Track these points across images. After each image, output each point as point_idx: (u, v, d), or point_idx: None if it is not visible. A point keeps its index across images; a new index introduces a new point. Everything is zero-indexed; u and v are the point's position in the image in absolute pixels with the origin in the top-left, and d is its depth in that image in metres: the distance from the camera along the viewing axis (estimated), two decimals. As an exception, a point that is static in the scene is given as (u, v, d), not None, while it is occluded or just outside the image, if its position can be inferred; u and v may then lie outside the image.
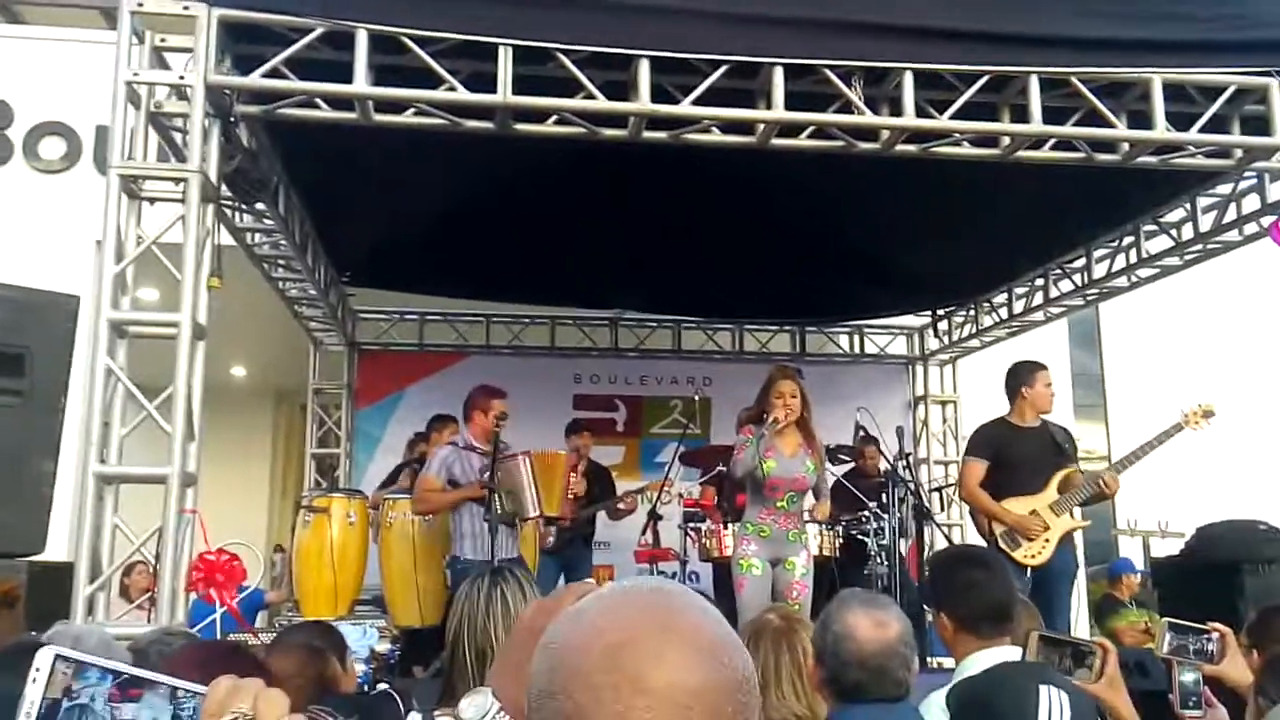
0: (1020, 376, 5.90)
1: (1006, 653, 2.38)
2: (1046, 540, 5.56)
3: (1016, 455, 5.71)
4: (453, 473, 5.79)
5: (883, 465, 6.75)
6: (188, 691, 0.88)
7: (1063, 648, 2.10)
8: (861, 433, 7.10)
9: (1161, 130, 5.01)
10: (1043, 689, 1.52)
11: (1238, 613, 3.93)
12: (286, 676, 2.59)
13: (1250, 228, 6.38)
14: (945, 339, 9.68)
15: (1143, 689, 3.85)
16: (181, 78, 4.54)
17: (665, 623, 0.83)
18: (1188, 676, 2.39)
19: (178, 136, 4.78)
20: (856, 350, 10.09)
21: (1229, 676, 2.46)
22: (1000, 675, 1.70)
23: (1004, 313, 8.85)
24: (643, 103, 4.68)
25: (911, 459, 6.94)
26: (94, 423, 4.29)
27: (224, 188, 4.90)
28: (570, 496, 6.53)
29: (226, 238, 5.89)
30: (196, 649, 2.28)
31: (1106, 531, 12.27)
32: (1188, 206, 6.73)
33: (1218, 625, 2.55)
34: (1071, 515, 5.66)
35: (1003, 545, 5.56)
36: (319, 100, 4.77)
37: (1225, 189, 6.46)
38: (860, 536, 6.44)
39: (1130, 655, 5.09)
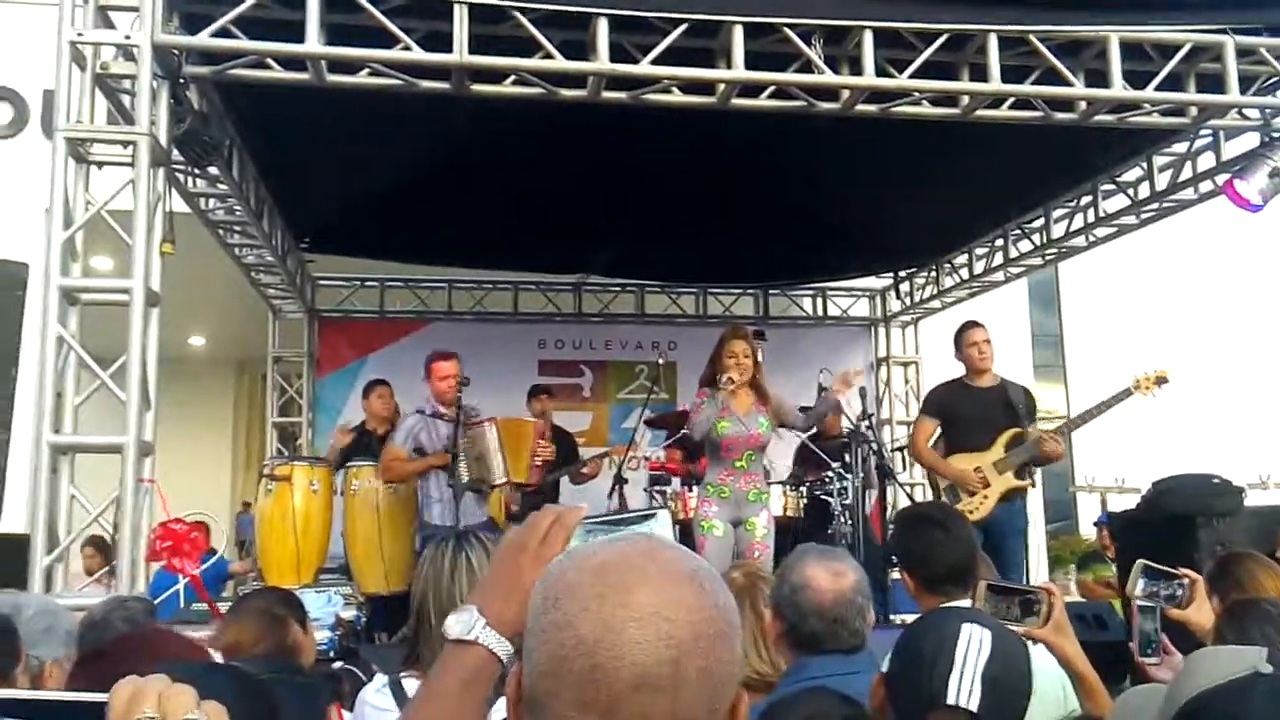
0: (956, 340, 6.08)
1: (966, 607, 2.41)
2: (985, 496, 5.69)
3: (964, 414, 5.86)
4: (419, 440, 5.87)
5: (845, 425, 6.77)
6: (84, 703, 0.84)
7: (1010, 596, 2.13)
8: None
9: (1118, 88, 5.03)
10: (964, 626, 1.55)
11: (1193, 563, 3.98)
12: (245, 645, 2.56)
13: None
14: (907, 300, 9.75)
15: (1101, 640, 3.91)
16: (128, 37, 4.43)
17: (652, 551, 0.92)
18: (1148, 625, 2.42)
19: (126, 99, 4.65)
20: (820, 313, 10.12)
21: (1195, 622, 2.50)
22: (928, 617, 1.74)
23: (964, 273, 8.92)
24: (602, 62, 4.62)
25: (874, 419, 6.97)
26: (47, 392, 4.21)
27: (175, 151, 4.80)
28: (538, 463, 6.52)
29: (180, 204, 5.79)
30: (129, 639, 2.14)
31: (1065, 489, 12.47)
32: (1144, 165, 6.79)
33: (1189, 571, 2.59)
34: (1018, 475, 5.74)
35: (945, 498, 5.73)
36: (270, 60, 4.66)
37: (1181, 148, 6.53)
38: (824, 497, 6.48)
39: (1089, 609, 5.18)
